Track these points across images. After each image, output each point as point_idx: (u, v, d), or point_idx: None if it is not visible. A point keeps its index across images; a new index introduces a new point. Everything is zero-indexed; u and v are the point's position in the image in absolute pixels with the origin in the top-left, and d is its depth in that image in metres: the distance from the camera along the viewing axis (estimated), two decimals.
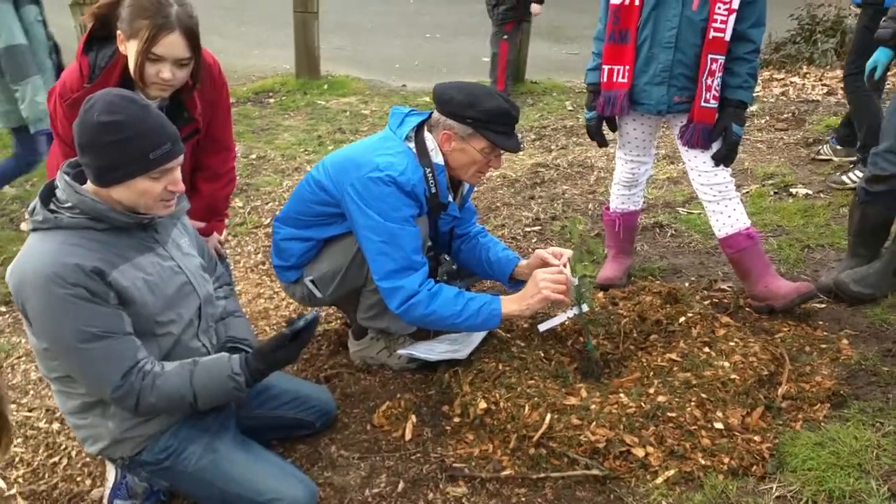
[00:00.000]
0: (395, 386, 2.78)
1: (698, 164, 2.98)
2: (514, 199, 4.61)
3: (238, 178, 5.26)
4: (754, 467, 2.22)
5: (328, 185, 2.63)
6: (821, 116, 5.75)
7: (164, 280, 1.97)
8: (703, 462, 2.23)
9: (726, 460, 2.23)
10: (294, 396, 2.41)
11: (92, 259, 1.81)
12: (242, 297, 3.60)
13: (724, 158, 2.94)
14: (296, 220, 2.74)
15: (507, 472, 2.31)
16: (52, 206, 1.85)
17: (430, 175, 2.58)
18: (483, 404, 2.50)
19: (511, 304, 2.54)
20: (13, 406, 2.82)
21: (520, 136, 6.07)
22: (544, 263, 2.70)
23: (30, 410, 2.79)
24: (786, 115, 5.87)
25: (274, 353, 2.01)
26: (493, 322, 2.56)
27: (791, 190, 4.33)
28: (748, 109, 2.93)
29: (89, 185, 1.89)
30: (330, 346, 3.10)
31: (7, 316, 3.51)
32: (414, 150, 2.60)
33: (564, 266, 2.62)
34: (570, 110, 6.93)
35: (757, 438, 2.31)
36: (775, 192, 4.32)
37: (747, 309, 3.04)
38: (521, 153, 5.58)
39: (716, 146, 2.93)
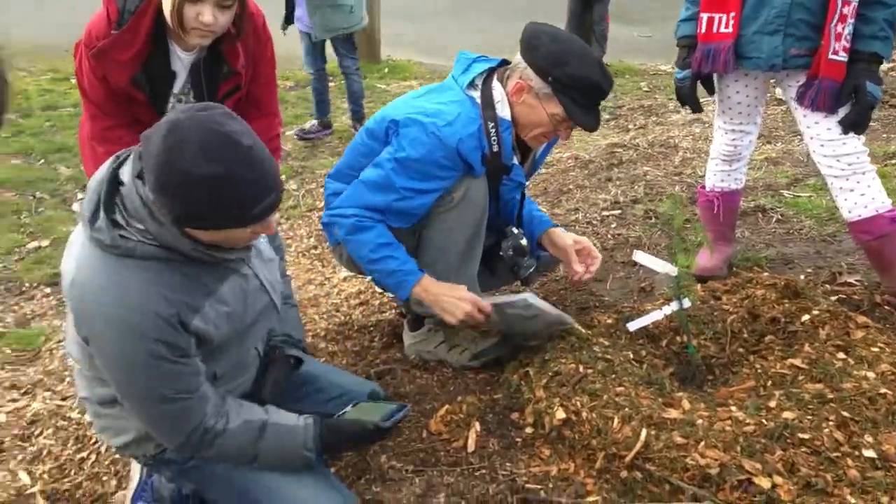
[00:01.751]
0: (456, 387, 2.36)
1: (821, 132, 2.46)
2: (589, 181, 4.15)
3: (294, 160, 4.98)
4: None
5: (376, 129, 2.26)
6: None
7: (246, 306, 1.70)
8: (853, 501, 1.73)
9: (885, 500, 1.72)
10: (342, 392, 2.03)
11: (173, 304, 1.51)
12: (293, 283, 3.26)
13: (854, 125, 2.41)
14: (346, 174, 2.37)
15: (592, 499, 1.86)
16: (118, 220, 1.49)
17: (494, 130, 2.16)
18: (561, 413, 2.06)
19: (425, 290, 2.20)
20: (46, 393, 2.63)
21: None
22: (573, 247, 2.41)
23: (63, 399, 2.58)
24: None
25: (352, 440, 1.83)
26: (400, 294, 2.25)
27: None
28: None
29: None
30: (383, 339, 2.70)
31: (51, 298, 3.32)
32: (478, 99, 2.17)
33: (587, 270, 2.38)
34: (647, 91, 6.41)
35: None
36: None
37: (886, 307, 2.50)
38: (595, 134, 5.10)
39: (843, 111, 2.41)
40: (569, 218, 3.61)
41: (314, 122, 5.45)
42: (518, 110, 2.19)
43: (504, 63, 2.27)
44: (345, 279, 3.20)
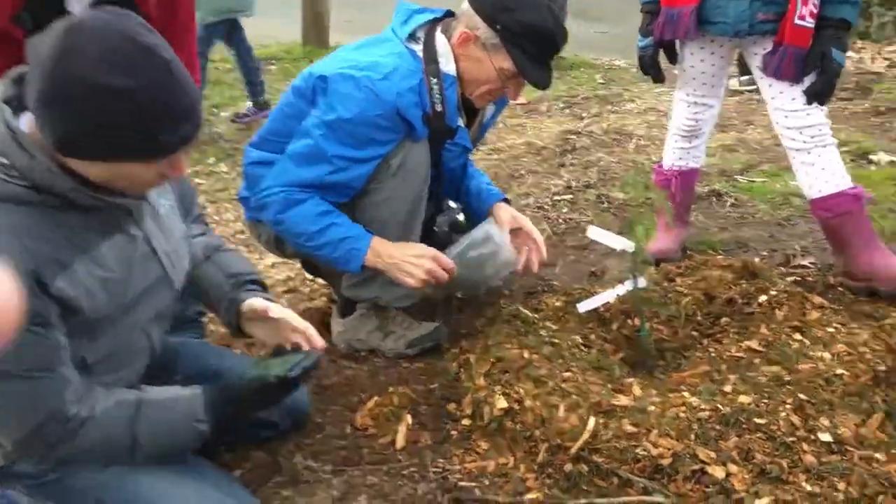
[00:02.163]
0: (388, 377, 2.17)
1: (785, 102, 2.33)
2: (541, 166, 4.00)
3: (226, 142, 4.74)
4: (881, 497, 1.58)
5: (303, 86, 2.05)
6: (891, 85, 5.08)
7: (131, 275, 1.40)
8: (808, 488, 1.59)
9: (842, 486, 1.58)
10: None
11: (34, 256, 1.23)
12: None
13: (819, 94, 2.29)
14: (270, 140, 2.14)
15: (533, 496, 1.69)
16: None
17: (437, 88, 1.96)
18: (502, 403, 1.88)
19: (379, 255, 2.01)
20: None
21: (546, 104, 5.47)
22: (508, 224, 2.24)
23: None
24: (848, 85, 5.19)
25: (251, 400, 1.52)
26: (352, 265, 2.03)
27: (871, 157, 3.68)
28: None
29: (35, 130, 1.25)
30: None
31: None
32: (419, 53, 1.98)
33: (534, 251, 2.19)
34: (601, 83, 6.31)
35: (880, 456, 1.66)
36: (852, 160, 3.68)
37: (839, 289, 2.39)
38: (548, 121, 4.97)
39: (808, 79, 2.29)
40: (520, 202, 3.45)
41: (249, 104, 5.23)
42: (463, 65, 2.00)
43: (449, 14, 2.07)
44: (272, 266, 2.99)
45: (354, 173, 1.99)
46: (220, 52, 6.75)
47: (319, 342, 1.61)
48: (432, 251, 2.02)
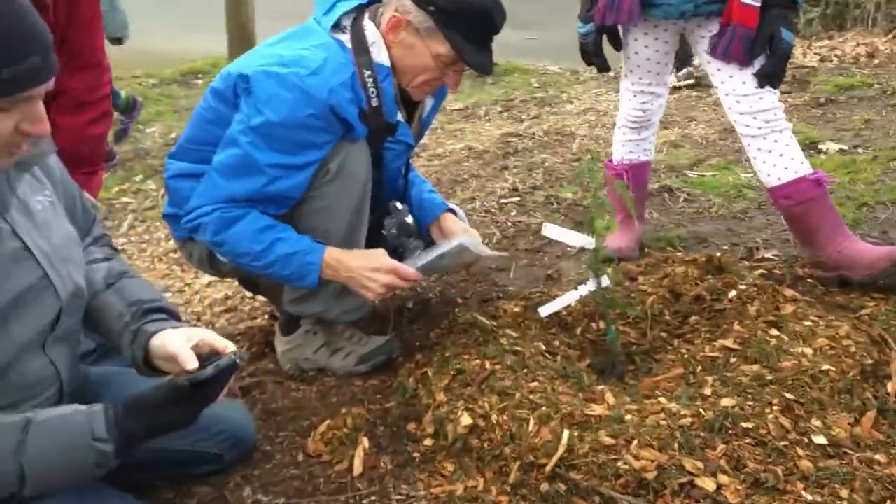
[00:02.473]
0: (340, 397, 1.98)
1: (736, 87, 2.23)
2: (484, 170, 3.86)
3: (154, 158, 4.46)
4: (888, 503, 1.46)
5: (222, 88, 1.84)
6: (826, 77, 5.14)
7: None
8: (808, 497, 1.46)
9: (845, 493, 1.46)
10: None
11: None
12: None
13: (770, 76, 2.20)
14: (190, 150, 1.93)
15: None
16: None
17: (371, 80, 1.79)
18: (466, 419, 1.72)
19: (335, 268, 1.84)
20: None
21: (483, 108, 5.34)
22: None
23: None
24: (786, 79, 5.22)
25: (162, 411, 1.27)
26: (308, 280, 1.85)
27: (820, 147, 3.66)
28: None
29: None
30: (252, 349, 2.28)
31: None
32: (348, 43, 1.81)
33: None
34: (537, 87, 6.23)
35: (880, 458, 1.55)
36: (802, 150, 3.63)
37: (809, 280, 2.30)
38: (487, 124, 4.84)
39: (758, 62, 2.20)
40: (465, 207, 3.29)
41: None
42: (396, 53, 1.83)
43: (375, 0, 1.91)
44: (208, 284, 2.76)
45: (292, 182, 1.80)
46: (144, 68, 6.46)
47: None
48: (390, 263, 1.86)
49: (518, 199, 3.39)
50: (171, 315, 1.48)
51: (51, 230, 1.32)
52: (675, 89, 5.20)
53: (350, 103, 1.77)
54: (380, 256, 1.86)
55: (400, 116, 1.92)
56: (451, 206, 2.21)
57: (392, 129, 1.89)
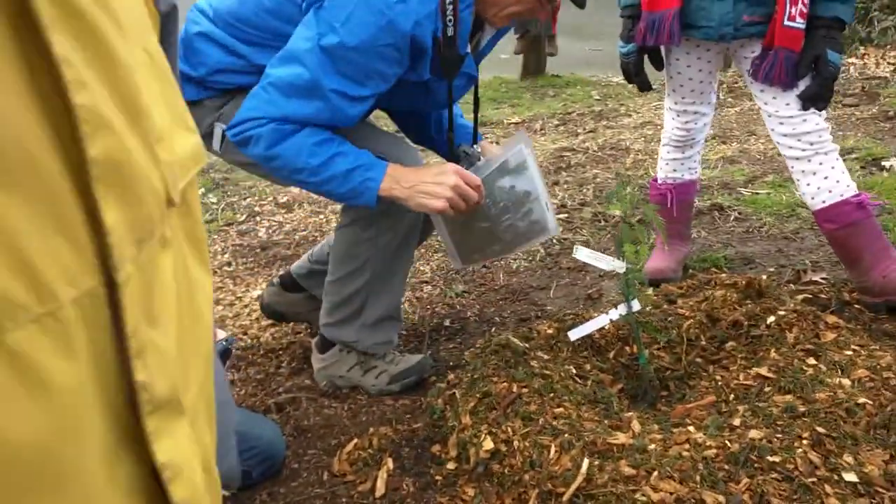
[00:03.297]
0: (370, 417, 2.01)
1: (779, 109, 2.18)
2: None
3: (217, 172, 4.61)
4: None
5: None
6: None
7: None
8: None
9: None
10: (223, 434, 1.61)
11: None
12: None
13: (815, 98, 2.14)
14: (230, 24, 1.79)
15: None
16: None
17: (451, 8, 1.67)
18: (489, 444, 1.72)
19: (395, 182, 1.71)
20: None
21: (540, 121, 5.33)
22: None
23: None
24: (853, 91, 5.04)
25: None
26: (365, 198, 1.73)
27: (883, 163, 3.51)
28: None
29: None
30: (292, 364, 2.34)
31: None
32: None
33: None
34: (598, 99, 6.18)
35: None
36: (862, 167, 3.51)
37: (856, 307, 2.21)
38: (542, 138, 4.83)
39: (803, 83, 2.14)
40: None
41: None
42: None
43: None
44: (257, 298, 2.84)
45: (350, 112, 1.69)
46: None
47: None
48: (454, 166, 1.75)
49: (566, 215, 3.37)
50: None
51: None
52: (735, 102, 5.08)
53: (429, 35, 1.67)
54: (440, 164, 1.77)
55: (468, 48, 1.82)
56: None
57: (462, 60, 1.78)
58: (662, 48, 2.37)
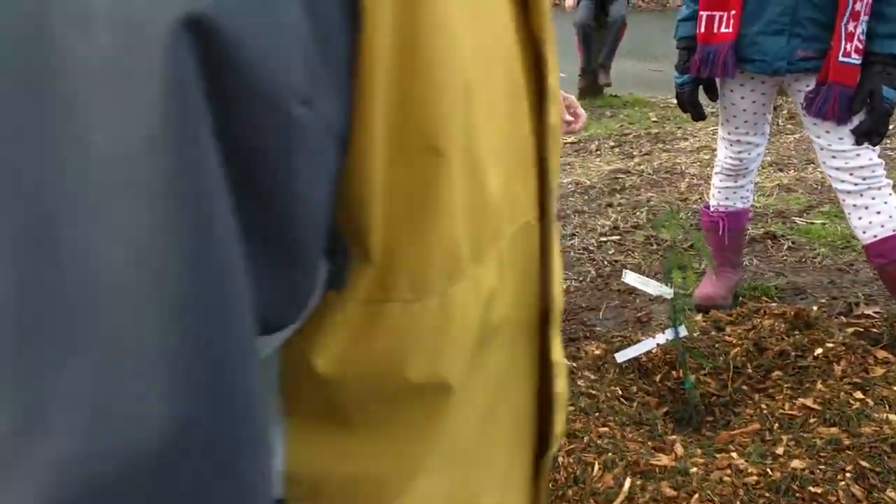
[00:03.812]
0: None
1: (832, 143, 2.20)
2: (588, 206, 3.89)
3: None
4: None
5: None
6: None
7: None
8: None
9: None
10: None
11: None
12: None
13: (869, 134, 2.15)
14: None
15: None
16: None
17: None
18: None
19: None
20: None
21: (596, 142, 5.37)
22: None
23: None
24: None
25: None
26: None
27: None
28: None
29: None
30: None
31: None
32: None
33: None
34: (655, 121, 6.18)
35: None
36: None
37: None
38: (598, 159, 4.87)
39: (857, 118, 2.15)
40: (564, 244, 3.35)
41: None
42: None
43: None
44: None
45: None
46: None
47: None
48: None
49: (618, 237, 3.41)
50: None
51: None
52: (793, 130, 5.04)
53: None
54: None
55: None
56: None
57: None
58: (717, 79, 2.41)
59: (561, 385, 0.51)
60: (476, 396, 0.44)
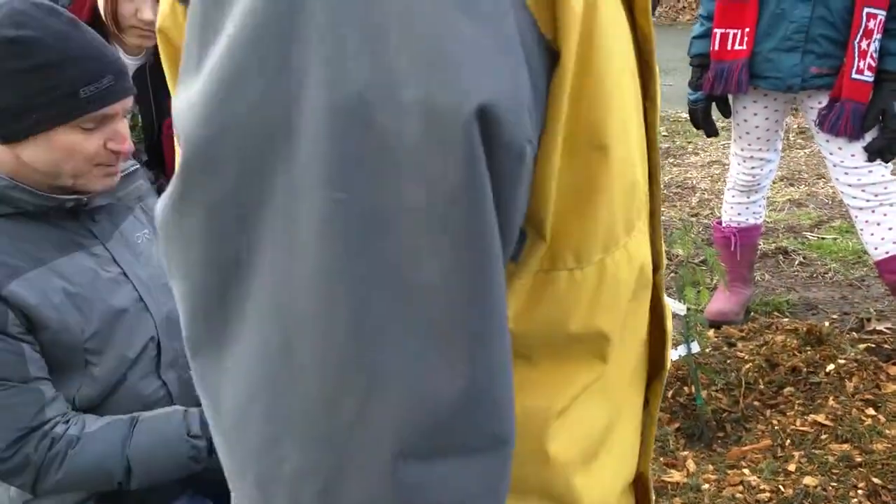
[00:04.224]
0: None
1: (845, 159, 2.21)
2: None
3: None
4: None
5: None
6: None
7: (98, 292, 1.35)
8: None
9: None
10: None
11: None
12: None
13: (881, 151, 2.16)
14: None
15: None
16: None
17: None
18: None
19: None
20: None
21: None
22: None
23: None
24: None
25: None
26: None
27: None
28: None
29: None
30: None
31: None
32: None
33: None
34: (665, 135, 6.19)
35: None
36: None
37: None
38: None
39: (870, 135, 2.17)
40: None
41: None
42: None
43: None
44: None
45: None
46: None
47: None
48: None
49: None
50: None
51: (149, 261, 1.47)
52: (804, 144, 5.04)
53: None
54: None
55: None
56: None
57: None
58: (730, 96, 2.43)
59: (669, 323, 0.60)
60: (624, 342, 0.53)
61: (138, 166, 1.50)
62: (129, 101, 1.32)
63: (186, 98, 0.37)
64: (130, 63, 1.87)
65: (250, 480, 0.38)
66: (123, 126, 1.32)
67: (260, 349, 0.36)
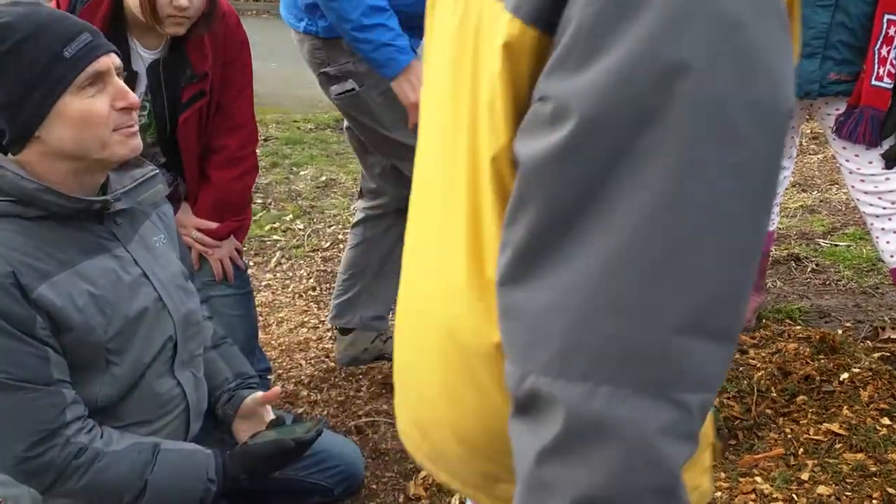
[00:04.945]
0: None
1: (862, 166, 2.20)
2: None
3: (304, 200, 4.82)
4: None
5: None
6: None
7: (120, 294, 1.39)
8: None
9: None
10: (313, 452, 1.74)
11: (13, 262, 1.25)
12: (284, 326, 3.07)
13: None
14: None
15: None
16: None
17: None
18: None
19: (409, 83, 1.99)
20: None
21: None
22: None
23: None
24: None
25: (264, 462, 1.50)
26: (384, 71, 2.00)
27: None
28: None
29: (20, 156, 1.32)
30: (371, 388, 2.46)
31: None
32: None
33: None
34: None
35: None
36: None
37: None
38: None
39: (887, 143, 2.16)
40: None
41: None
42: None
43: None
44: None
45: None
46: (304, 113, 6.96)
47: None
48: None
49: None
50: (261, 386, 1.76)
51: (167, 262, 1.53)
52: (817, 150, 5.02)
53: None
54: None
55: None
56: None
57: None
58: None
59: None
60: None
61: (157, 171, 1.52)
62: (116, 59, 1.36)
63: (585, 79, 0.52)
64: (147, 56, 1.87)
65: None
66: (122, 84, 1.35)
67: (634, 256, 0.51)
